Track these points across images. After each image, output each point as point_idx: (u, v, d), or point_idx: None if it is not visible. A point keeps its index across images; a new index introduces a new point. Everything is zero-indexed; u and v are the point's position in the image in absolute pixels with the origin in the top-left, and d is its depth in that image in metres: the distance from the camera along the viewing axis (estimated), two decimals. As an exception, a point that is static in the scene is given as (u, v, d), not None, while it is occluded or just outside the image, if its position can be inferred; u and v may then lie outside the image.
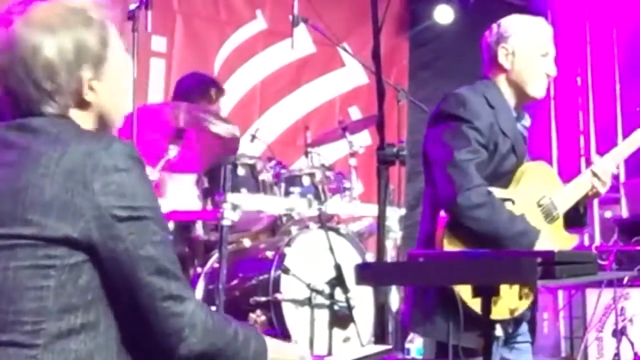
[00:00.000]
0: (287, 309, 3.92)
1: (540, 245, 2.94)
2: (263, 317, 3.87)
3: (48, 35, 1.66)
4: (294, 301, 3.95)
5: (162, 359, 1.78)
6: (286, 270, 3.92)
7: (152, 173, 3.88)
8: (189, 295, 1.76)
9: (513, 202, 3.16)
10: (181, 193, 4.64)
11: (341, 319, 3.86)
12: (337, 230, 4.33)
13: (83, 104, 1.75)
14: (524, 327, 3.31)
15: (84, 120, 1.79)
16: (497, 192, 3.07)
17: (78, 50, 1.72)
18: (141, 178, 1.69)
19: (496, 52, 3.25)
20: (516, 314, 3.06)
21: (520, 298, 3.08)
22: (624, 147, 3.64)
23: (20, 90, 1.68)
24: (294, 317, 3.95)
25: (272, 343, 1.97)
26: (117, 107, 1.92)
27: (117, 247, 1.63)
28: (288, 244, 4.05)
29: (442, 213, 3.10)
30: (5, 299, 1.63)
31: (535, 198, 3.25)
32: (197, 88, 4.87)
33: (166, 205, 4.23)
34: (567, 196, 3.24)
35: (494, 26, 3.33)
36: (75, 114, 1.76)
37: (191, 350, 1.70)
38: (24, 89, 1.68)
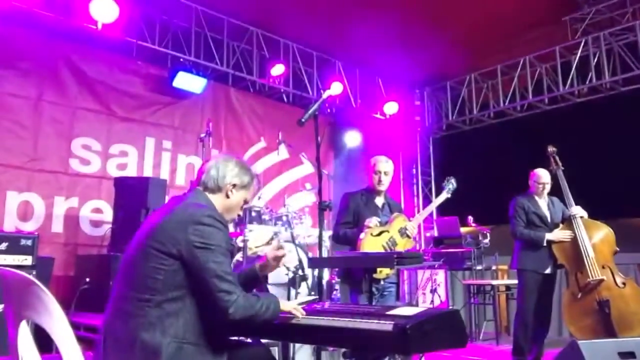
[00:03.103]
0: (268, 279, 6.78)
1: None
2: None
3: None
4: (271, 275, 6.62)
5: (219, 321, 3.14)
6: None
7: None
8: (234, 290, 3.08)
9: (388, 231, 5.63)
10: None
11: (299, 283, 6.38)
12: (298, 242, 7.74)
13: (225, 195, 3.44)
14: (392, 287, 5.65)
15: (222, 201, 3.45)
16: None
17: (237, 176, 3.43)
18: (215, 229, 3.13)
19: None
20: (387, 276, 5.64)
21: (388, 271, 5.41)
22: (421, 215, 6.79)
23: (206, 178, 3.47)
24: (272, 283, 7.15)
25: (281, 301, 3.35)
26: (232, 209, 3.52)
27: (194, 261, 3.06)
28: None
29: (361, 236, 5.55)
30: (139, 279, 3.07)
31: (397, 228, 5.68)
32: None
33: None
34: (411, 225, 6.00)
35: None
36: (219, 196, 3.45)
37: (233, 318, 3.05)
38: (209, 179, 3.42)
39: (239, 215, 3.76)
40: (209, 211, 3.21)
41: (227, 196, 3.47)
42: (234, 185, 3.48)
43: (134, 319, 3.02)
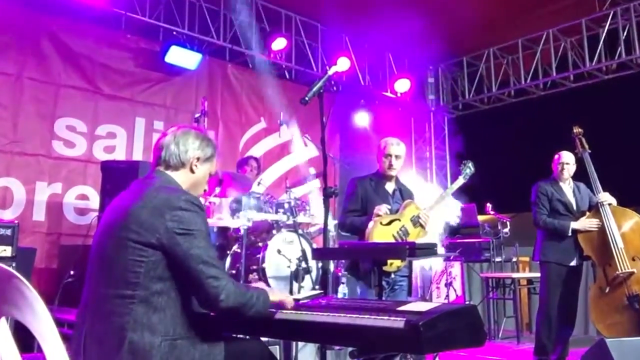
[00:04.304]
0: (268, 272, 7.16)
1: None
2: (256, 276, 6.65)
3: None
4: (272, 268, 7.13)
5: (209, 311, 3.16)
6: (275, 250, 6.89)
7: (209, 199, 7.20)
8: (222, 275, 3.09)
9: (399, 220, 5.61)
10: (223, 211, 7.43)
11: (302, 276, 6.43)
12: (302, 231, 7.69)
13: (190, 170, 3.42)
14: (403, 280, 5.67)
15: (187, 177, 3.44)
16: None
17: (200, 148, 3.43)
18: (194, 214, 3.12)
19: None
20: (398, 269, 5.66)
21: (400, 263, 5.43)
22: (436, 202, 6.30)
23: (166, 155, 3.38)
24: (272, 276, 7.17)
25: (270, 292, 3.36)
26: (199, 184, 3.51)
27: (177, 249, 3.04)
28: (270, 239, 7.00)
29: (370, 224, 5.51)
30: (118, 274, 3.04)
31: (409, 216, 5.69)
32: (245, 160, 8.44)
33: (217, 217, 7.36)
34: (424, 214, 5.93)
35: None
36: (183, 172, 3.42)
37: (225, 306, 3.05)
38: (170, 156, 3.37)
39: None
40: (184, 195, 3.21)
41: (192, 171, 3.46)
42: (198, 159, 3.46)
43: (118, 319, 2.99)
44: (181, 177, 3.43)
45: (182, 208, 3.11)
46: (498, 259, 10.96)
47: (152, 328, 2.98)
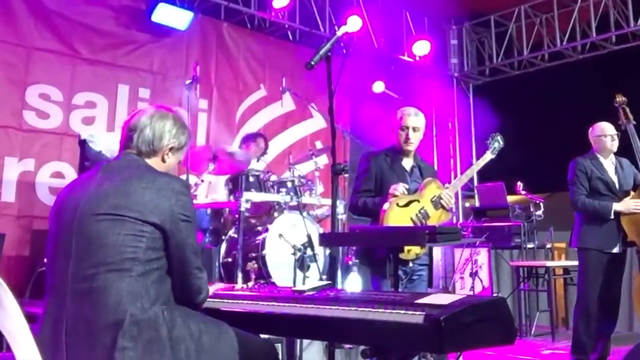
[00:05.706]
0: (269, 259, 6.90)
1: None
2: (255, 265, 6.03)
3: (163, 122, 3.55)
4: (273, 255, 7.09)
5: (189, 299, 3.43)
6: (277, 235, 6.85)
7: (202, 177, 7.30)
8: (202, 267, 3.46)
9: (418, 201, 5.66)
10: (218, 191, 7.51)
11: (308, 265, 6.41)
12: (307, 213, 7.43)
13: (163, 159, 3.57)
14: (422, 269, 5.71)
15: (158, 165, 3.55)
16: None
17: (175, 137, 3.58)
18: (191, 200, 3.41)
19: None
20: (417, 257, 5.55)
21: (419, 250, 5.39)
22: (459, 181, 6.44)
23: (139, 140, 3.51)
24: (273, 265, 6.96)
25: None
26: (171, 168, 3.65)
27: (178, 234, 3.31)
28: (270, 222, 7.03)
29: (385, 206, 5.53)
30: (116, 249, 3.20)
31: (430, 197, 5.72)
32: (252, 137, 8.53)
33: (210, 197, 7.43)
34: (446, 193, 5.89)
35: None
36: (154, 161, 3.56)
37: (202, 298, 3.47)
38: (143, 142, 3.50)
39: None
40: (179, 180, 3.44)
41: (163, 160, 3.60)
42: (171, 149, 3.60)
43: (114, 294, 3.11)
44: (152, 165, 3.55)
45: (184, 193, 3.34)
46: (530, 246, 10.97)
47: (152, 300, 3.17)
